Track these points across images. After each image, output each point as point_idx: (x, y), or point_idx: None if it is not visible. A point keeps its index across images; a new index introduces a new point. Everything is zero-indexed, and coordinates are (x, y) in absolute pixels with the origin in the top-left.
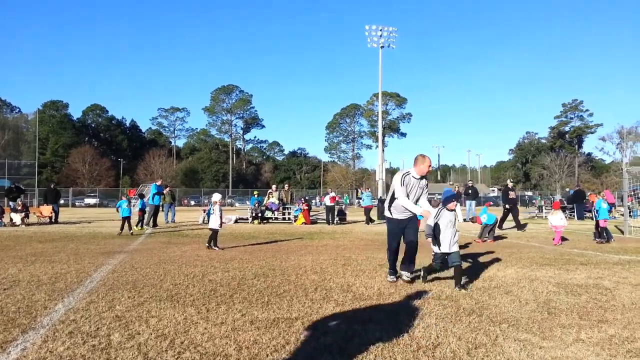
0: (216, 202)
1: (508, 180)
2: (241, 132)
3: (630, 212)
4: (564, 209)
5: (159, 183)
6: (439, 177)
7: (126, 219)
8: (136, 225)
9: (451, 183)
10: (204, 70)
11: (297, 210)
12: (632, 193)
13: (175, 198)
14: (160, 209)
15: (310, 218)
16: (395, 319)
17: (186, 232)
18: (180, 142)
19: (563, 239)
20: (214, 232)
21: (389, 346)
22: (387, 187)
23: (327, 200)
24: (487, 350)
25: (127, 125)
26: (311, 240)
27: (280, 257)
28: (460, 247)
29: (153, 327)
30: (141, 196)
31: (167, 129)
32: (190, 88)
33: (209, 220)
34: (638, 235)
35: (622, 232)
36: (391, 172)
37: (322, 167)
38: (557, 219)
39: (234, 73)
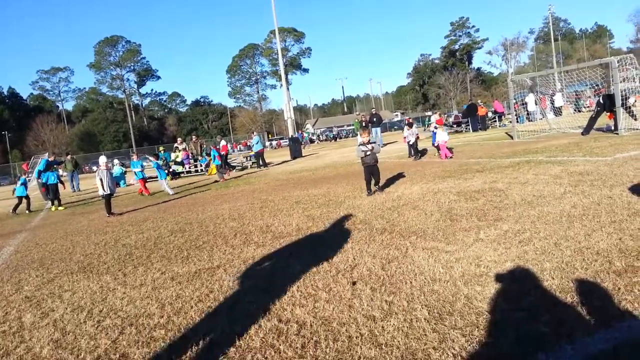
0: (100, 166)
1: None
2: (135, 86)
3: (517, 118)
4: (459, 124)
5: (50, 158)
6: (345, 109)
7: (23, 198)
8: (52, 205)
9: (357, 113)
10: (83, 23)
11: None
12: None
13: (78, 165)
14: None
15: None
16: (313, 250)
17: (92, 200)
18: (68, 105)
19: (450, 149)
20: (107, 198)
21: (309, 275)
22: (298, 125)
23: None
24: (399, 262)
25: (5, 93)
26: (226, 188)
27: (196, 210)
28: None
29: (68, 302)
30: (47, 168)
31: (51, 93)
32: (69, 44)
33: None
34: (525, 139)
35: (512, 137)
36: (299, 109)
37: (228, 114)
38: (443, 134)
39: (117, 23)
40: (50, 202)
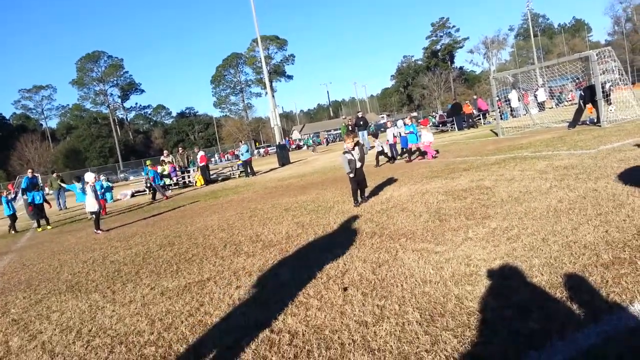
0: (87, 183)
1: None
2: (119, 100)
3: (501, 115)
4: (444, 123)
5: (29, 175)
6: (331, 114)
7: (11, 216)
8: (39, 226)
9: (344, 117)
10: (64, 40)
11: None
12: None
13: (64, 183)
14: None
15: (211, 177)
16: (304, 257)
17: (80, 218)
18: (52, 123)
19: (437, 151)
20: (96, 215)
21: (301, 283)
22: (285, 131)
23: (198, 161)
24: (389, 265)
25: None
26: (215, 199)
27: (185, 223)
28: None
29: (56, 322)
30: (33, 187)
31: (34, 111)
32: (51, 62)
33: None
34: (510, 135)
35: (497, 134)
36: (285, 116)
37: (215, 124)
38: (428, 135)
39: (98, 39)
40: (36, 222)
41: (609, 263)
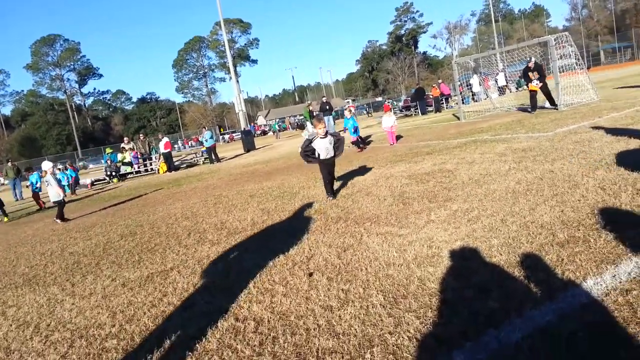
0: (46, 172)
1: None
2: (77, 86)
3: (463, 100)
4: (408, 108)
5: None
6: (297, 99)
7: None
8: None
9: (308, 103)
10: (17, 23)
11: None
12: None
13: (20, 172)
14: None
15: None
16: (270, 244)
17: (36, 208)
18: (6, 110)
19: (398, 137)
20: (59, 205)
21: (266, 270)
22: (250, 117)
23: (161, 147)
24: (354, 250)
25: None
26: (179, 186)
27: (147, 212)
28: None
29: (12, 318)
30: None
31: None
32: (3, 46)
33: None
34: (471, 119)
35: (459, 119)
36: (250, 101)
37: (177, 109)
38: (388, 120)
39: (53, 22)
40: None
41: (564, 242)
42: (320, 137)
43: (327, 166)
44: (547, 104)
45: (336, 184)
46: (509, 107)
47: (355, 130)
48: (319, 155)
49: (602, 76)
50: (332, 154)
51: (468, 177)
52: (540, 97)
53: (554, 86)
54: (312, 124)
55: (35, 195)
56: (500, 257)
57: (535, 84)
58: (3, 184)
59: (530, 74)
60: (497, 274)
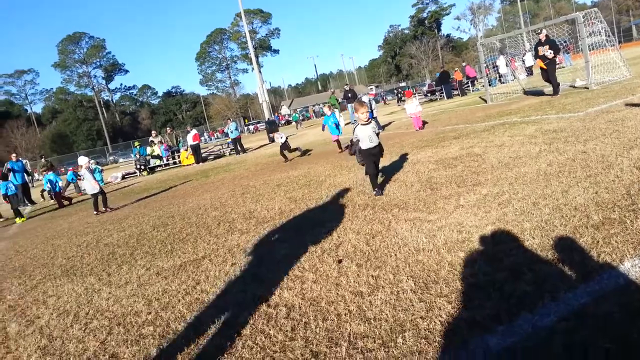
0: (81, 166)
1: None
2: (104, 82)
3: (489, 82)
4: (433, 92)
5: (13, 158)
6: (319, 87)
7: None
8: (17, 217)
9: (332, 91)
10: (43, 22)
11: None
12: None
13: (53, 167)
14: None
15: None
16: (298, 232)
17: (73, 202)
18: (37, 108)
19: (424, 122)
20: (94, 197)
21: (295, 258)
22: (273, 107)
23: (189, 140)
24: (383, 236)
25: None
26: (207, 178)
27: (177, 203)
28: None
29: (53, 307)
30: (4, 177)
31: (18, 97)
32: (31, 46)
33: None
34: (498, 101)
35: (485, 101)
36: (273, 91)
37: (202, 102)
38: (412, 106)
39: (78, 20)
40: (28, 206)
41: (599, 224)
42: (362, 124)
43: (371, 156)
44: (577, 82)
45: (362, 172)
46: (538, 87)
47: (337, 127)
48: (359, 147)
49: (634, 52)
50: (377, 143)
51: (497, 161)
52: (567, 76)
53: (584, 64)
54: (339, 110)
55: (57, 195)
56: (533, 240)
57: (549, 53)
58: (38, 179)
59: (540, 48)
60: (529, 258)
